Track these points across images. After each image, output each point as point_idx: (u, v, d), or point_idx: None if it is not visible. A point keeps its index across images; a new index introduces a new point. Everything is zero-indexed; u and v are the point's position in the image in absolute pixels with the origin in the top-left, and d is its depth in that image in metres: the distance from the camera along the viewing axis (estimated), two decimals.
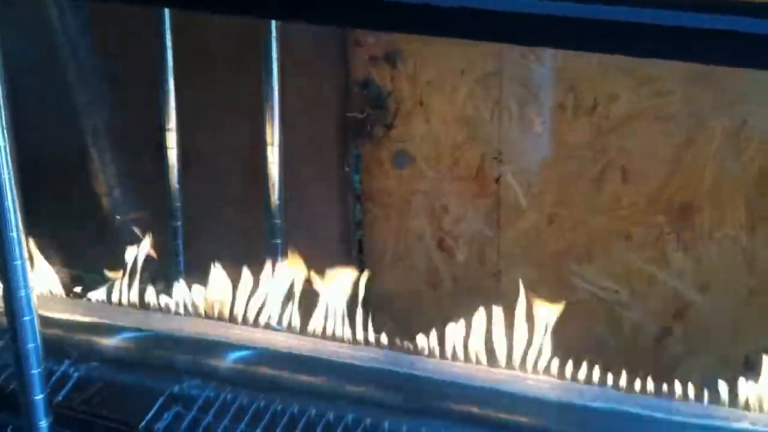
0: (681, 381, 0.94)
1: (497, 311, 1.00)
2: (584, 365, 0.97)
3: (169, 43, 1.25)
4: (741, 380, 0.92)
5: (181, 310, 1.10)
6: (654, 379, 0.95)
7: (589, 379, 0.96)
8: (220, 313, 1.09)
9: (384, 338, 1.03)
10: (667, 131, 1.19)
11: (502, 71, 1.26)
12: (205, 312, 1.09)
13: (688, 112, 1.17)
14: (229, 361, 1.05)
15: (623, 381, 0.95)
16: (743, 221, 1.20)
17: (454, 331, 1.00)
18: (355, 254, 1.48)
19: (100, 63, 1.48)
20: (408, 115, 1.34)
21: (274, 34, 1.19)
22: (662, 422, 0.92)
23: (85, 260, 1.52)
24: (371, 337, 1.03)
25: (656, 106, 1.19)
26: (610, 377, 0.96)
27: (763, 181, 1.17)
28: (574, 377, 0.97)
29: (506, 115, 1.28)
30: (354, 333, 1.04)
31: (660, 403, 0.93)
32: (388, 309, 1.47)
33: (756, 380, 0.92)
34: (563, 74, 1.23)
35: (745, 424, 0.91)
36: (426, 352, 1.01)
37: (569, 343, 1.35)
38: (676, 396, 0.93)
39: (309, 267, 1.09)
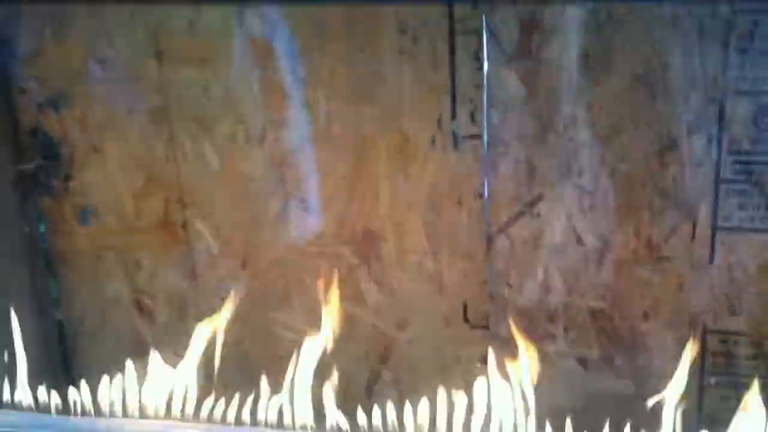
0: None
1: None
2: None
3: None
4: None
5: None
6: None
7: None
8: None
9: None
10: (337, 154, 1.13)
11: (170, 106, 1.17)
12: None
13: (354, 132, 1.11)
14: None
15: None
16: (426, 246, 1.13)
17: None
18: (53, 325, 1.33)
19: None
20: (84, 164, 1.23)
21: None
22: None
23: None
24: None
25: (322, 129, 1.12)
26: None
27: (435, 201, 1.10)
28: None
29: (181, 153, 1.19)
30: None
31: None
32: (95, 381, 1.33)
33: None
34: (230, 104, 1.15)
35: None
36: None
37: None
38: None
39: None
